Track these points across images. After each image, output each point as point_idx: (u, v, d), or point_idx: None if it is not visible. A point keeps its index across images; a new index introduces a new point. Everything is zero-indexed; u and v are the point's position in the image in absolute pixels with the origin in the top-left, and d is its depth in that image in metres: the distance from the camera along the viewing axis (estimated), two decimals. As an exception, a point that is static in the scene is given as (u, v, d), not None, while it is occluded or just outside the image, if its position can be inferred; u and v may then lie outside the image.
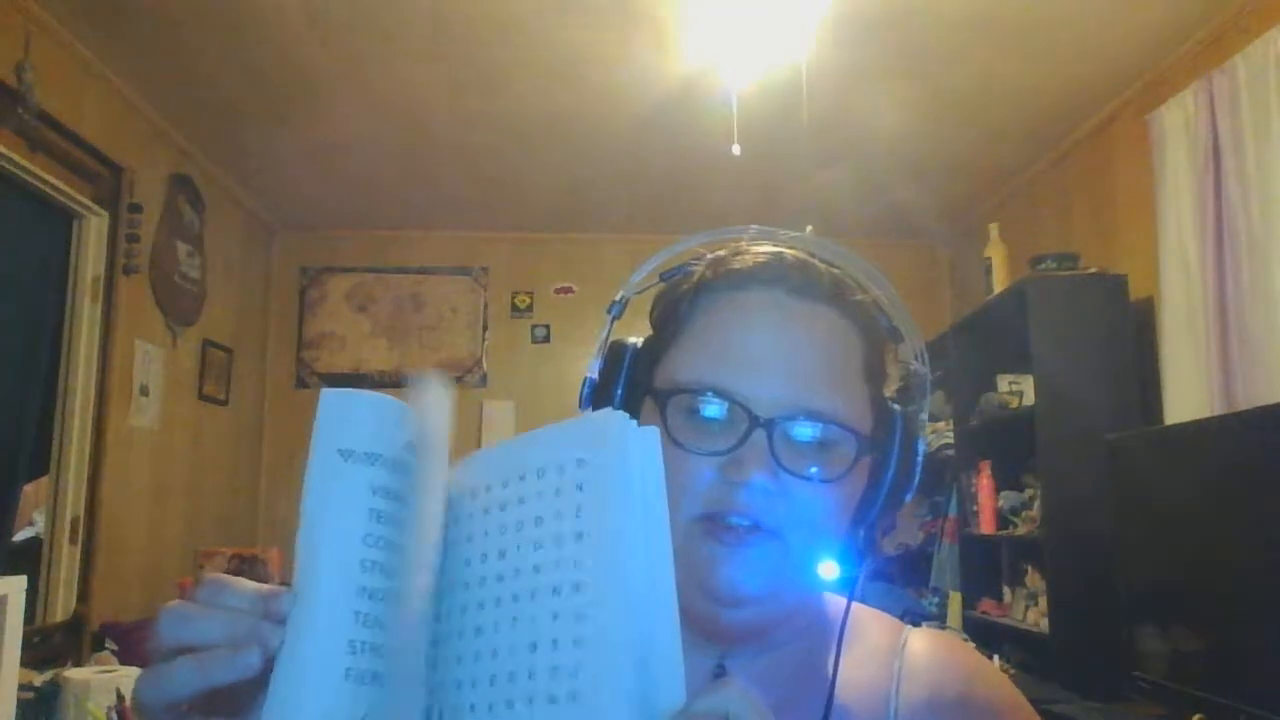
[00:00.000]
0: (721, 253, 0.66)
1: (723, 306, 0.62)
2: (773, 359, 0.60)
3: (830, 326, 0.62)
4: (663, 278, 0.67)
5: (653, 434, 0.45)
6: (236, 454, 4.30)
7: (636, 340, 0.66)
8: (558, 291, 4.79)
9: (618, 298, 0.68)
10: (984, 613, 3.40)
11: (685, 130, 3.44)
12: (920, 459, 0.64)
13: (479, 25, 2.80)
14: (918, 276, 4.83)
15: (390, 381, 4.70)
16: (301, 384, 4.70)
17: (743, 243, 0.66)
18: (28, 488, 3.04)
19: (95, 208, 3.10)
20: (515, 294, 4.81)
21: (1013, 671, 2.91)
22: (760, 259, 0.63)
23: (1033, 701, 0.68)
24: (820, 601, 0.69)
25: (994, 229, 3.54)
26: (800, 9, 2.63)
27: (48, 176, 2.81)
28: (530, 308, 4.79)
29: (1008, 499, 3.28)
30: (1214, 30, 2.73)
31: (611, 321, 0.68)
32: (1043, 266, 3.09)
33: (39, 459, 2.96)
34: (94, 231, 3.12)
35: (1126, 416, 2.81)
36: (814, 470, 0.58)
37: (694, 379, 0.60)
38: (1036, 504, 3.06)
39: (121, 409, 3.24)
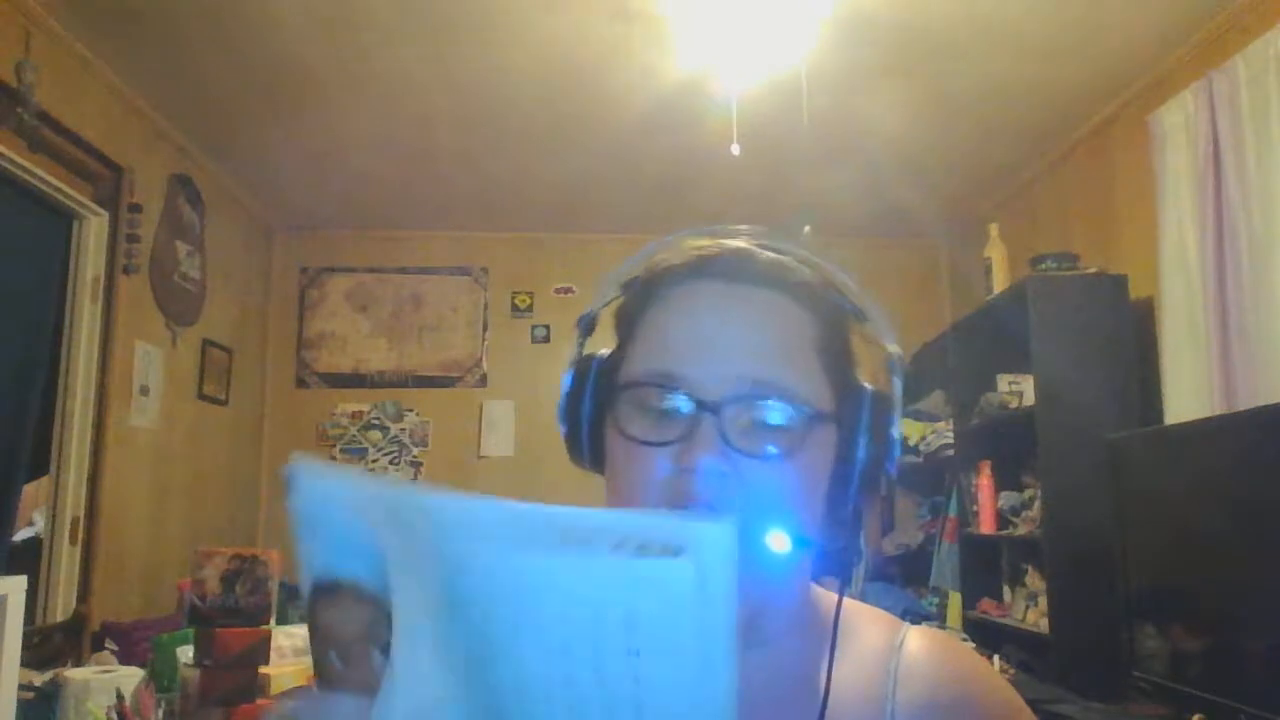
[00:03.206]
0: (662, 254, 0.67)
1: (663, 302, 0.63)
2: (715, 344, 0.60)
3: (771, 306, 0.62)
4: (622, 289, 0.68)
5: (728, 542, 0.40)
6: (236, 454, 4.30)
7: (604, 352, 0.67)
8: (558, 291, 4.79)
9: (584, 313, 0.70)
10: (984, 613, 3.40)
11: (685, 130, 3.44)
12: (896, 436, 0.63)
13: (479, 25, 2.80)
14: (918, 276, 4.83)
15: (390, 381, 4.71)
16: (301, 384, 4.71)
17: (685, 242, 0.67)
18: (28, 488, 3.03)
19: (95, 208, 3.10)
20: (515, 294, 4.81)
21: (1013, 671, 2.91)
22: (696, 253, 0.65)
23: (1033, 701, 0.68)
24: (813, 597, 0.68)
25: (994, 229, 3.54)
26: (800, 9, 2.63)
27: (48, 176, 2.81)
28: (530, 308, 4.79)
29: (1008, 499, 3.28)
30: (1214, 30, 2.73)
31: (581, 338, 0.69)
32: (1043, 266, 3.09)
33: (39, 459, 2.97)
34: (94, 231, 3.12)
35: (1126, 416, 2.81)
36: (766, 448, 0.58)
37: (641, 373, 0.61)
38: (1036, 504, 3.06)
39: (121, 409, 3.24)
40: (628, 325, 0.65)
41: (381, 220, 4.66)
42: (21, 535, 3.18)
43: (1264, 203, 2.43)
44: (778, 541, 0.57)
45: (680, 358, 0.60)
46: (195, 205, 3.79)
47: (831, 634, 0.61)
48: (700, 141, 3.46)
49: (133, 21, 2.79)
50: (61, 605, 2.95)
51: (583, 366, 0.67)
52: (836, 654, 0.61)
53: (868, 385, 0.64)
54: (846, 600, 0.65)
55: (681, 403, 0.59)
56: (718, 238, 0.66)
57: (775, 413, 0.59)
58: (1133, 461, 2.42)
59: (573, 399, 0.66)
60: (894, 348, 0.65)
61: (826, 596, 0.67)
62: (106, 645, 2.84)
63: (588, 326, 0.69)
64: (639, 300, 0.65)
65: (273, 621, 1.78)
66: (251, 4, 2.69)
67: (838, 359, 0.64)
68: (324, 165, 3.93)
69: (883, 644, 0.66)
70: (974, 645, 3.05)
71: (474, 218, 4.61)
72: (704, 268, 0.63)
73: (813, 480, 0.61)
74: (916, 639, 0.66)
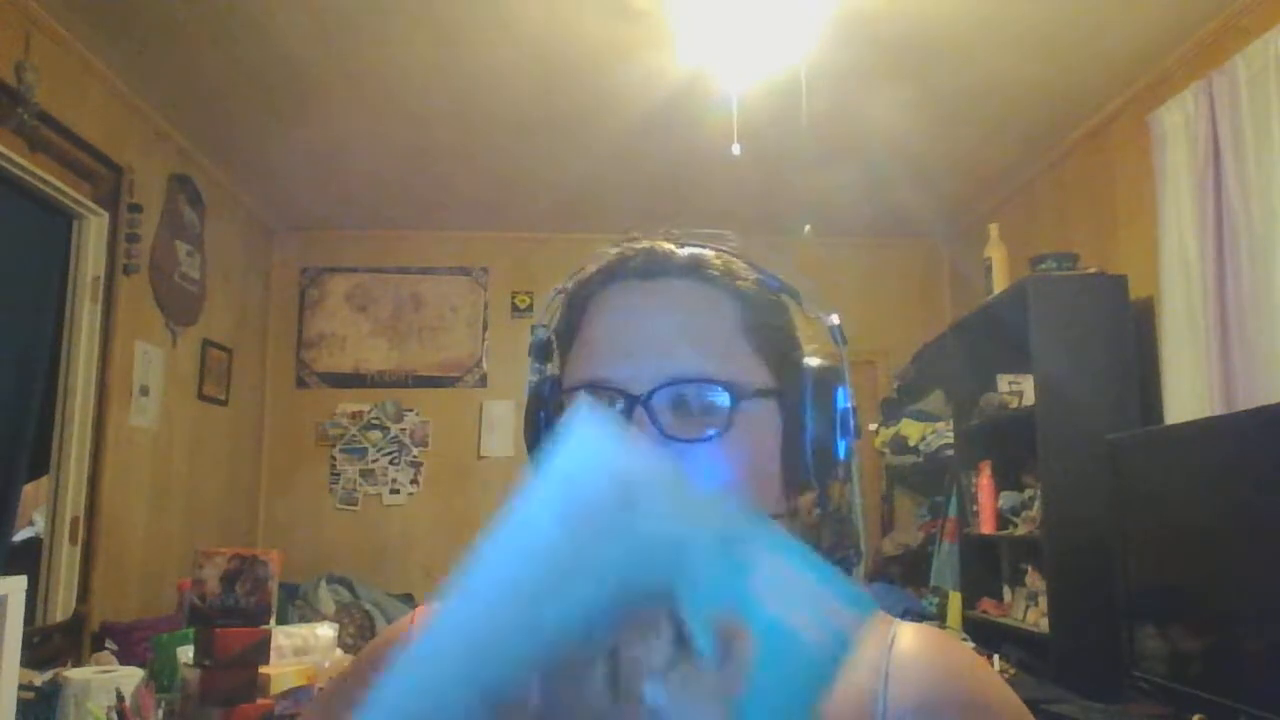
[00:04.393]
0: (582, 265, 0.69)
1: (587, 310, 0.66)
2: (638, 339, 0.62)
3: (688, 295, 0.64)
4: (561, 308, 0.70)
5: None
6: (236, 454, 4.30)
7: (552, 372, 0.70)
8: (558, 292, 4.78)
9: (533, 341, 0.72)
10: (984, 613, 3.40)
11: (685, 130, 3.44)
12: (846, 408, 0.65)
13: (479, 25, 2.80)
14: (918, 276, 4.83)
15: (390, 381, 4.71)
16: (301, 384, 4.71)
17: (606, 250, 0.69)
18: (28, 488, 3.03)
19: (95, 208, 3.10)
20: (515, 294, 4.81)
21: (1013, 671, 2.91)
22: (609, 257, 0.67)
23: (1033, 701, 0.67)
24: None
25: (994, 229, 3.54)
26: (800, 9, 2.63)
27: (48, 176, 2.81)
28: (530, 308, 4.79)
29: (1008, 499, 3.28)
30: (1214, 30, 2.73)
31: (536, 364, 0.71)
32: (1043, 266, 3.09)
33: (39, 459, 2.96)
34: (94, 231, 3.12)
35: (1126, 416, 2.81)
36: (699, 430, 0.59)
37: (575, 382, 0.63)
38: (1036, 504, 3.06)
39: (121, 409, 3.24)
40: (565, 341, 0.68)
41: (381, 220, 4.66)
42: (21, 535, 3.19)
43: (1264, 203, 2.43)
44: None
45: (607, 360, 0.62)
46: (195, 205, 3.79)
47: None
48: (700, 141, 3.45)
49: (133, 21, 2.79)
50: (61, 605, 2.94)
51: (535, 390, 0.69)
52: None
53: (811, 360, 0.66)
54: None
55: (618, 402, 0.60)
56: (636, 240, 0.68)
57: (703, 395, 0.60)
58: (1132, 461, 2.42)
59: (530, 423, 0.69)
60: (832, 319, 0.67)
61: None
62: (106, 645, 2.85)
63: (540, 353, 0.71)
64: (568, 314, 0.68)
65: (273, 621, 1.78)
66: (251, 4, 2.69)
67: (771, 337, 0.65)
68: (324, 165, 3.93)
69: (873, 642, 0.64)
70: (974, 645, 3.05)
71: (474, 217, 4.61)
72: (619, 269, 0.65)
73: (758, 456, 0.62)
74: (908, 636, 0.65)
